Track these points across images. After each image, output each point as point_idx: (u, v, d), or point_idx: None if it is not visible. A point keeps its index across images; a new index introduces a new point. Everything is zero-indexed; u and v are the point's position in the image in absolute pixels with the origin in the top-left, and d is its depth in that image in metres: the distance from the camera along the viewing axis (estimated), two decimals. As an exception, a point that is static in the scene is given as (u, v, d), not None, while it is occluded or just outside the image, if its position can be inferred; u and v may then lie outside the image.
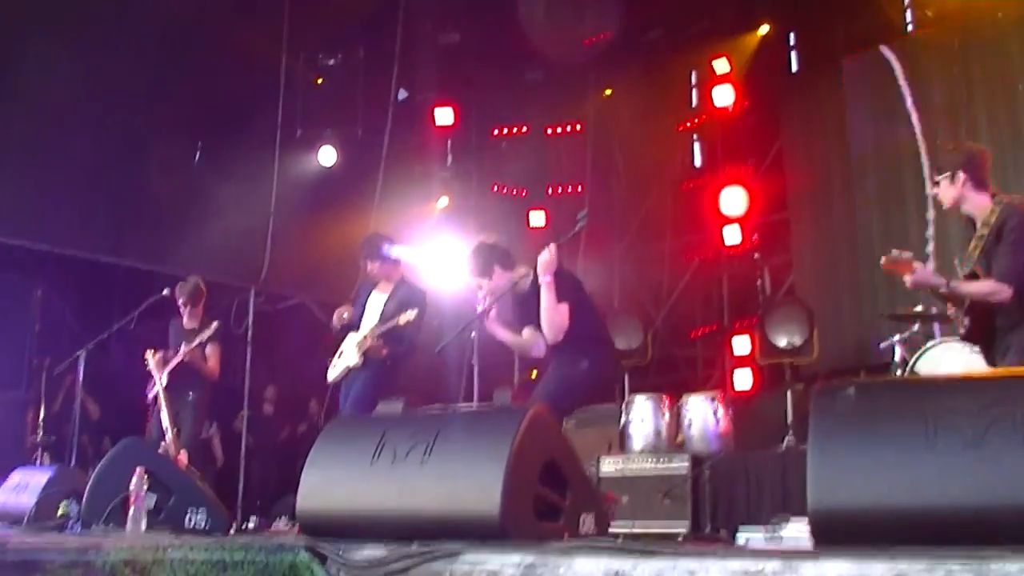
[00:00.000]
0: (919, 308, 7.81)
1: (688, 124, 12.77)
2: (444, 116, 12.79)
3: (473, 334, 6.77)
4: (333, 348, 7.51)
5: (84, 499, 5.69)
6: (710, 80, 11.95)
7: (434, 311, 12.06)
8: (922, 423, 2.81)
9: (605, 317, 10.06)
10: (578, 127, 13.13)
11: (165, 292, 8.34)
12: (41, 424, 9.25)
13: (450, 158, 13.52)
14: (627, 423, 8.62)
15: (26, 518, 6.21)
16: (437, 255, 12.27)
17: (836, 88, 11.03)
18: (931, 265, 8.06)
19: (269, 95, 10.99)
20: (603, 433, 8.85)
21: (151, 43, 9.81)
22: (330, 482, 3.67)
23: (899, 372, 7.48)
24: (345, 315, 7.38)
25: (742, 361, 11.09)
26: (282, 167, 10.90)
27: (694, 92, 12.75)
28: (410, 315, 6.77)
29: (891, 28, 10.64)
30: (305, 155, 11.77)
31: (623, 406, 8.76)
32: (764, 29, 11.73)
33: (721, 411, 8.27)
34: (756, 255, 11.64)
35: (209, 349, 8.42)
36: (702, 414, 8.22)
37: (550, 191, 13.18)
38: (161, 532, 4.98)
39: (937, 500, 2.70)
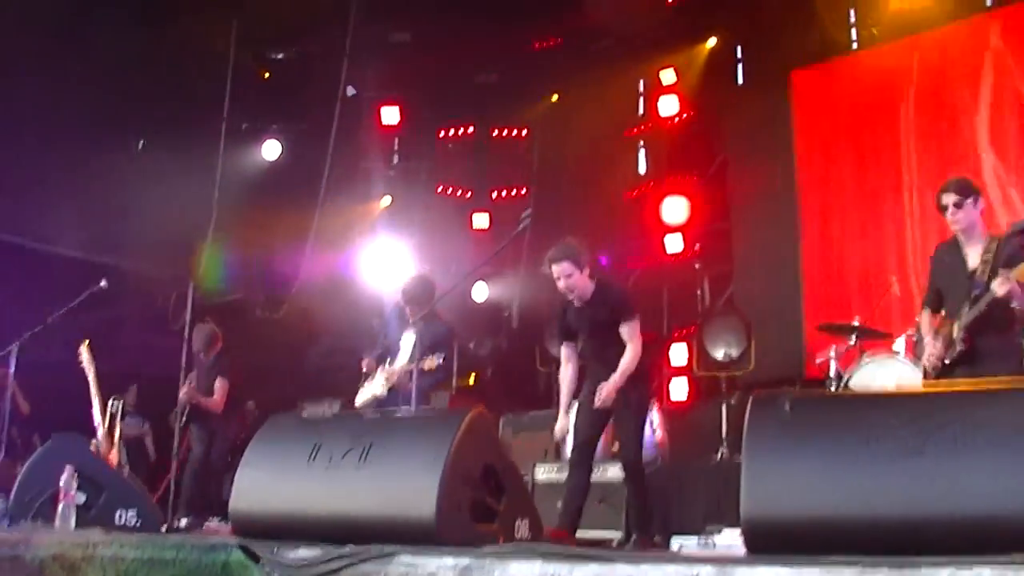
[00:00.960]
0: (855, 322, 7.93)
1: (634, 132, 12.83)
2: (391, 115, 12.77)
3: (414, 338, 6.78)
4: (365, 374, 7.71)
5: (12, 495, 5.60)
6: (657, 90, 12.04)
7: (376, 311, 12.07)
8: (858, 435, 2.86)
9: (545, 323, 10.11)
10: (524, 132, 13.15)
11: (103, 284, 8.22)
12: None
13: (396, 157, 13.49)
14: (563, 430, 8.63)
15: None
16: (378, 254, 12.25)
17: (781, 101, 11.14)
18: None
19: (216, 88, 10.87)
20: (539, 440, 8.86)
21: (95, 31, 9.66)
22: (265, 483, 3.65)
23: (834, 386, 7.57)
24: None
25: (678, 371, 11.14)
26: (226, 160, 10.79)
27: (641, 101, 12.82)
28: (432, 362, 6.87)
29: (837, 45, 10.79)
30: (250, 149, 11.67)
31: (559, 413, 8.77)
32: (712, 41, 11.84)
33: (657, 421, 8.32)
34: (697, 264, 11.71)
35: (217, 383, 8.78)
36: (638, 423, 8.24)
37: (494, 194, 13.17)
38: (91, 529, 4.91)
39: (872, 510, 2.75)
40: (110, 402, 7.62)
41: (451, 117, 13.32)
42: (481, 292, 12.50)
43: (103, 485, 5.60)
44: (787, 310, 10.65)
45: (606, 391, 5.97)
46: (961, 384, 4.05)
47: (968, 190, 5.47)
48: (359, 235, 12.74)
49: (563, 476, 7.81)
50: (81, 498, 5.25)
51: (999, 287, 5.07)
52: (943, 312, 5.58)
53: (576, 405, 6.38)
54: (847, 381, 7.33)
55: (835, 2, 10.56)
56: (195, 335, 8.54)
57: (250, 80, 11.60)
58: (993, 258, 5.30)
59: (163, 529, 5.98)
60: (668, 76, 11.85)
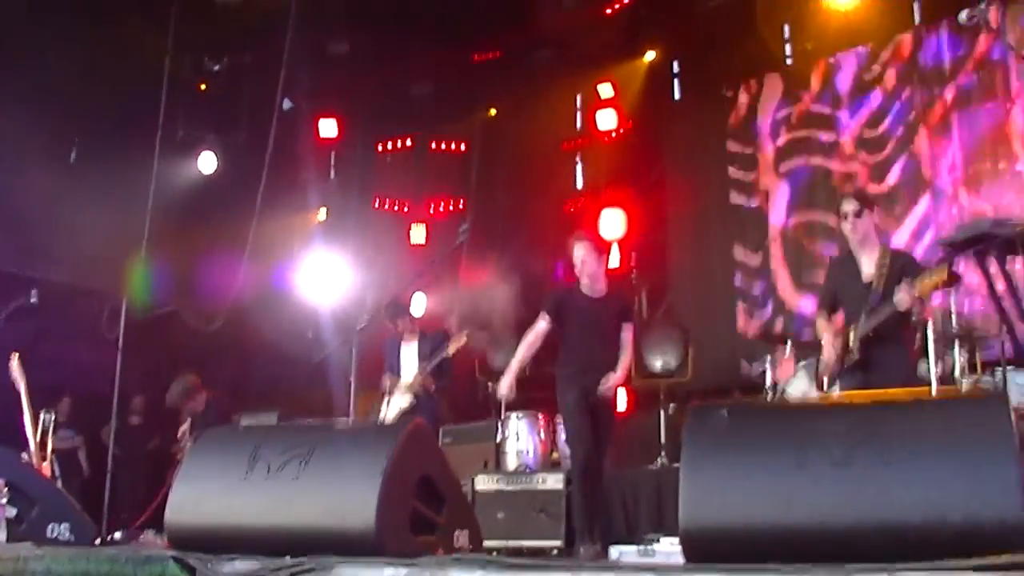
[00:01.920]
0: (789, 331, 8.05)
1: (572, 145, 12.90)
2: (328, 128, 12.73)
3: (352, 348, 6.76)
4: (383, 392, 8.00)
5: (-60, 509, 5.46)
6: (595, 104, 12.13)
7: (312, 323, 11.97)
8: (792, 444, 2.90)
9: (485, 333, 10.12)
10: (462, 145, 13.15)
11: (33, 299, 8.10)
12: None
13: (333, 171, 13.42)
14: (503, 440, 8.66)
15: None
16: (315, 266, 12.17)
17: (717, 115, 11.30)
18: None
19: (151, 97, 10.71)
20: (479, 450, 8.87)
21: (27, 40, 9.49)
22: (201, 495, 3.60)
23: (771, 394, 7.66)
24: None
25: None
26: (161, 171, 10.63)
27: (579, 115, 12.89)
28: (460, 339, 7.69)
29: (772, 59, 10.96)
30: (185, 160, 11.54)
31: (499, 423, 8.78)
32: (650, 56, 11.95)
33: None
34: (633, 276, 11.79)
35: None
36: (578, 432, 8.27)
37: (432, 207, 13.16)
38: (22, 543, 4.81)
39: (806, 518, 2.78)
40: (42, 415, 7.50)
41: (389, 130, 13.29)
42: (420, 304, 12.46)
43: (35, 498, 5.49)
44: (723, 320, 10.79)
45: (613, 380, 6.47)
46: (893, 394, 4.14)
47: (867, 200, 5.81)
48: (296, 248, 12.65)
49: (503, 487, 7.85)
50: (12, 511, 5.15)
51: (901, 300, 5.21)
52: (840, 315, 5.77)
53: (565, 410, 6.58)
54: (784, 389, 7.42)
55: (770, 18, 10.72)
56: (171, 388, 8.48)
57: (186, 91, 11.47)
58: (888, 270, 5.49)
59: (96, 542, 5.89)
60: (606, 90, 11.95)
